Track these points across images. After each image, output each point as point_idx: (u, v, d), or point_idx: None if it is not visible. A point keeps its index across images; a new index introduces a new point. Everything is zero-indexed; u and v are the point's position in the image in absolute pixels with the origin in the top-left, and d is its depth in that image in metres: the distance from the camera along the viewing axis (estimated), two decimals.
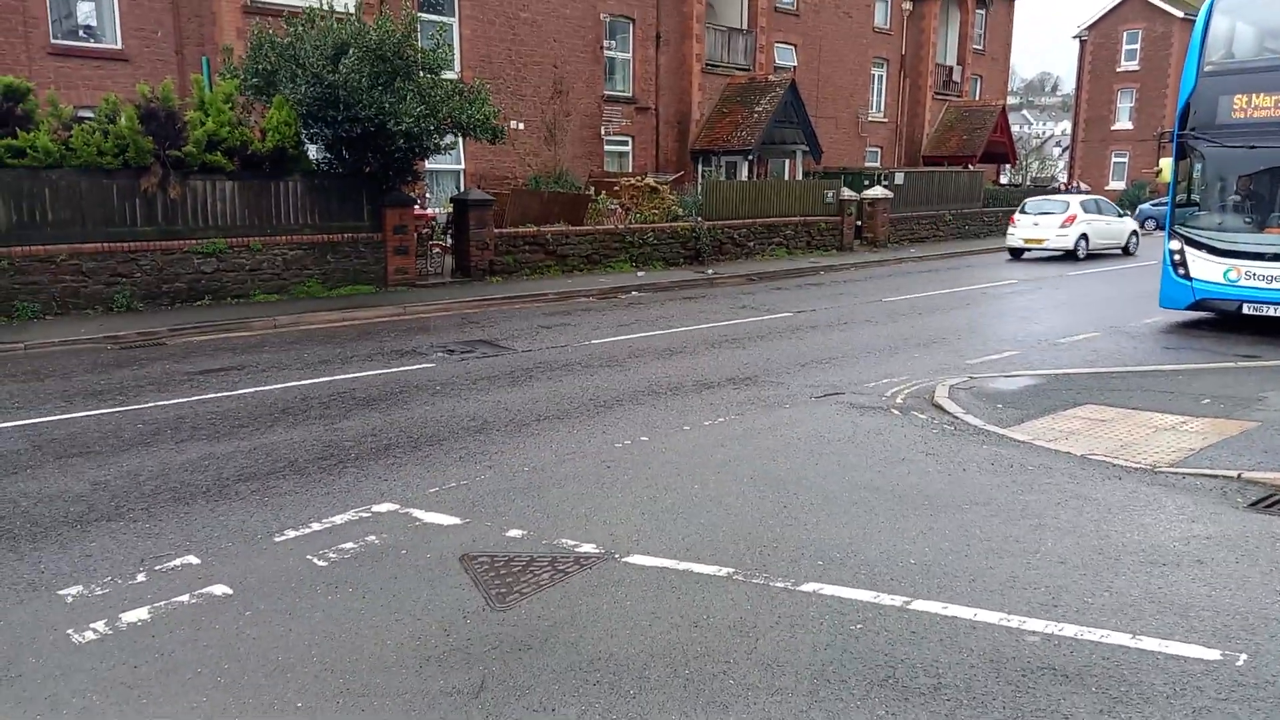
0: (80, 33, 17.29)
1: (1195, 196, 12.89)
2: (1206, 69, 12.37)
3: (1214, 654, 3.85)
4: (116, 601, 4.53)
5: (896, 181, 28.36)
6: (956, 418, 8.03)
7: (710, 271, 20.05)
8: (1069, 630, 4.07)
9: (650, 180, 22.87)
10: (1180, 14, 45.57)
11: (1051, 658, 3.84)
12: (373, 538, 5.32)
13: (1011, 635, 4.05)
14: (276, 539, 5.34)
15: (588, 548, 5.11)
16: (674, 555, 5.00)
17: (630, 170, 26.06)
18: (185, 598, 4.57)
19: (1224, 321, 12.87)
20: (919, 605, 4.35)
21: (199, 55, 17.63)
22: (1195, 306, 12.78)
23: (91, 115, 13.81)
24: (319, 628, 4.25)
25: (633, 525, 5.47)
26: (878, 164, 34.60)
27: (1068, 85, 71.14)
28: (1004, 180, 40.68)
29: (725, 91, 28.17)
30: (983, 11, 38.61)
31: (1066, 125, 64.09)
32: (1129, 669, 3.74)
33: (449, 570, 4.84)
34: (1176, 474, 6.41)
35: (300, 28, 15.04)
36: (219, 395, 8.97)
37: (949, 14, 37.54)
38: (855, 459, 6.86)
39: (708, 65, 27.81)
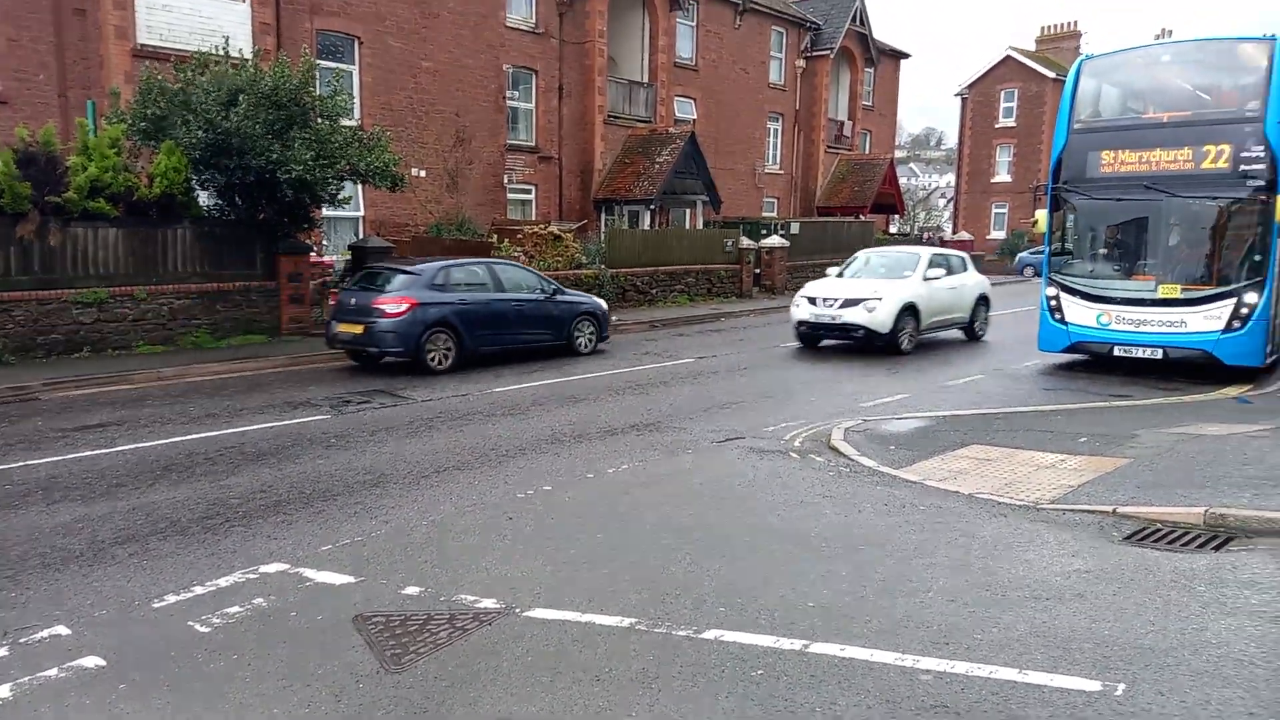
0: None
1: (1069, 245, 13.60)
2: (1076, 127, 13.16)
3: (1095, 685, 4.00)
4: None
5: (792, 231, 29.22)
6: (852, 460, 8.23)
7: (614, 319, 20.16)
8: (960, 667, 4.18)
9: (554, 228, 22.98)
10: (1052, 75, 48.57)
11: (944, 695, 3.93)
12: (260, 600, 5.10)
13: (906, 675, 4.13)
14: (156, 605, 5.07)
15: (488, 603, 5.01)
16: (577, 607, 4.94)
17: (534, 218, 26.13)
18: (53, 671, 4.28)
19: (1098, 363, 13.57)
20: (818, 648, 4.40)
21: (84, 99, 16.98)
22: (1071, 349, 13.43)
23: None
24: (200, 698, 4.04)
25: (535, 578, 5.40)
26: (775, 214, 35.56)
27: (951, 140, 74.89)
28: (893, 229, 42.31)
29: (627, 142, 28.64)
30: (871, 70, 40.39)
31: (951, 178, 67.24)
32: (1017, 703, 3.85)
33: (342, 632, 4.68)
34: (1057, 510, 6.70)
35: (191, 73, 14.69)
36: (95, 453, 8.52)
37: (840, 72, 39.16)
38: (756, 503, 6.94)
39: (610, 117, 28.26)
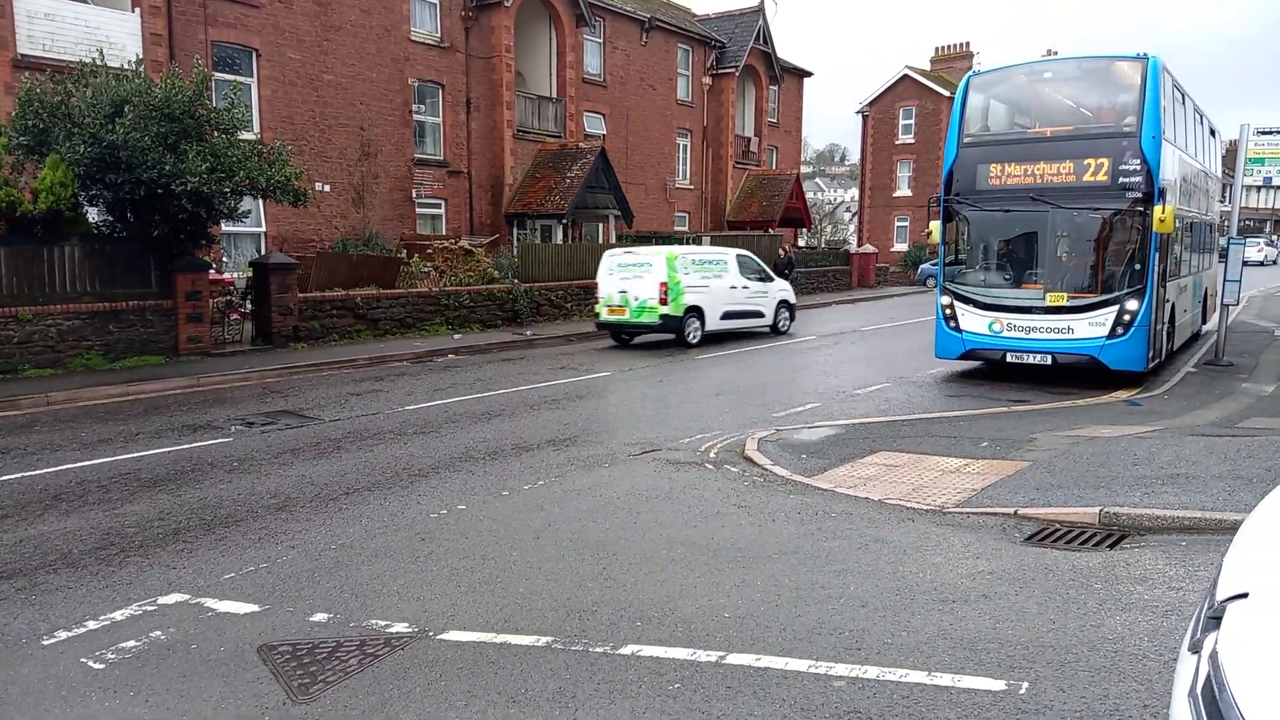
0: None
1: (962, 255, 13.99)
2: (965, 140, 13.56)
3: (1000, 684, 4.13)
4: None
5: (705, 245, 29.53)
6: (766, 469, 8.34)
7: (529, 333, 20.05)
8: (871, 672, 4.26)
9: (465, 243, 22.77)
10: (947, 92, 50.40)
11: (856, 701, 4.00)
12: (158, 633, 4.87)
13: (820, 682, 4.19)
14: (45, 642, 4.79)
15: (400, 627, 4.90)
16: (491, 628, 4.87)
17: (444, 233, 25.83)
18: None
19: (997, 369, 14.05)
20: (734, 659, 4.43)
21: None
22: (966, 356, 13.82)
23: None
24: None
25: (448, 600, 5.30)
26: (686, 228, 35.96)
27: (854, 156, 76.92)
28: (801, 243, 43.25)
29: (538, 157, 28.57)
30: (775, 88, 41.26)
31: (855, 192, 69.11)
32: (926, 706, 3.94)
33: (246, 663, 4.50)
34: (962, 514, 6.91)
35: (71, 85, 14.03)
36: None
37: (745, 89, 39.89)
38: (672, 515, 6.96)
39: (519, 131, 28.16)
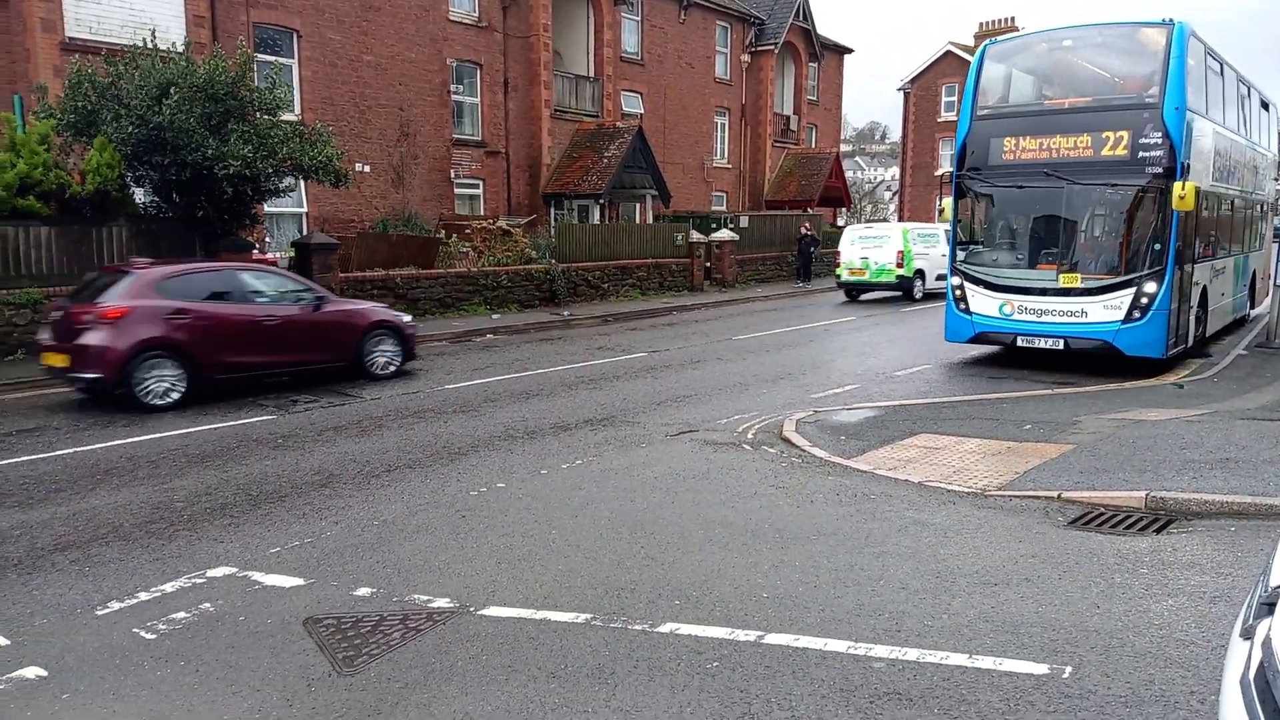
0: None
1: (975, 234, 13.37)
2: (979, 113, 12.91)
3: (1043, 668, 4.09)
4: None
5: (742, 225, 29.39)
6: (804, 451, 8.31)
7: (566, 313, 20.11)
8: (911, 654, 4.24)
9: (503, 223, 22.83)
10: None
11: (896, 682, 3.98)
12: (207, 605, 4.99)
13: (859, 663, 4.18)
14: (99, 612, 4.93)
15: (441, 602, 4.96)
16: (531, 604, 4.92)
17: (482, 213, 25.93)
18: None
19: (1041, 352, 13.59)
20: (772, 639, 4.44)
21: (10, 94, 16.41)
22: (976, 339, 13.26)
23: None
24: (146, 707, 3.94)
25: (488, 576, 5.36)
26: (723, 208, 35.72)
27: (895, 134, 75.68)
28: (841, 223, 42.78)
29: (575, 137, 28.52)
30: (815, 65, 40.73)
31: (896, 171, 68.08)
32: (967, 688, 3.92)
33: (292, 635, 4.59)
34: (1004, 496, 6.83)
35: (123, 66, 14.25)
36: (33, 457, 8.25)
37: (785, 67, 39.43)
38: (710, 495, 6.97)
39: (557, 111, 28.11)
